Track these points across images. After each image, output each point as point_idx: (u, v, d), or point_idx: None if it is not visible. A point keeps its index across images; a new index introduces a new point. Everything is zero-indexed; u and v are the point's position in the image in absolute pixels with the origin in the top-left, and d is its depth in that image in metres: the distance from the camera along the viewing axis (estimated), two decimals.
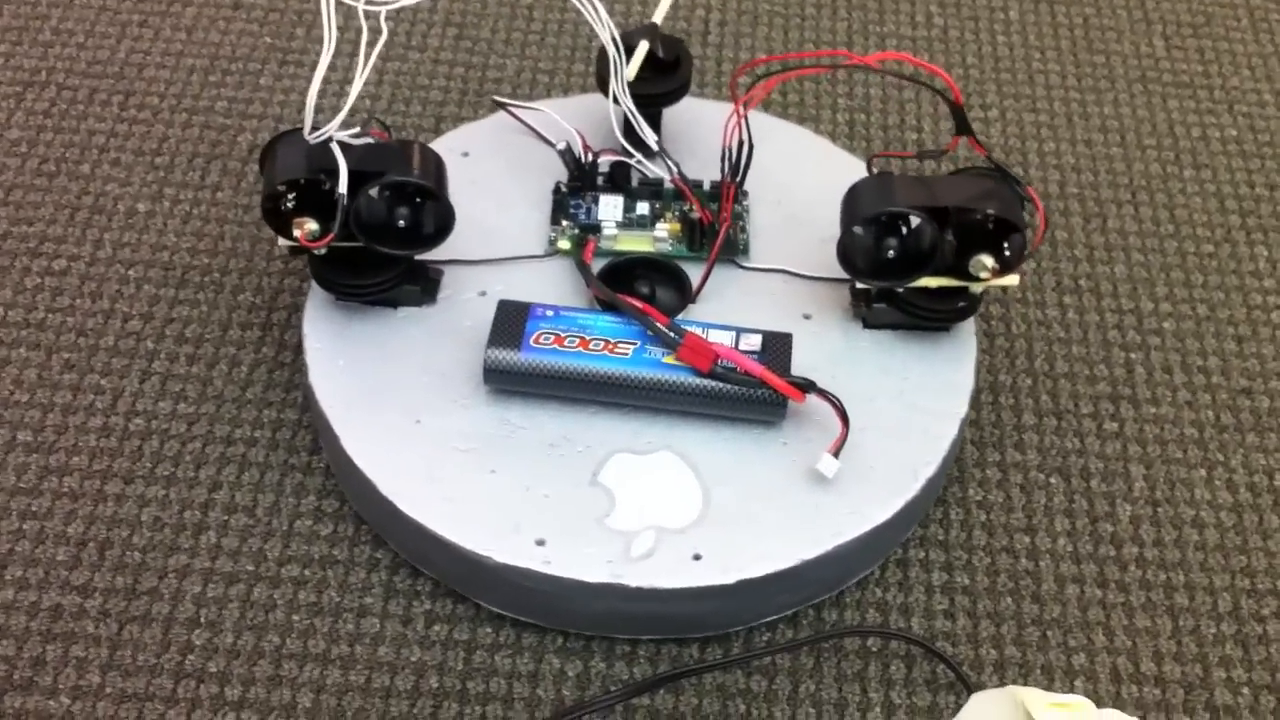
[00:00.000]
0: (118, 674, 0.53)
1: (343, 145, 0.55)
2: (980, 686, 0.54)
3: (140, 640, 0.54)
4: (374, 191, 0.56)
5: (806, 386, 0.56)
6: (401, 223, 0.57)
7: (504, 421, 0.57)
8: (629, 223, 0.63)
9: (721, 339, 0.57)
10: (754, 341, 0.57)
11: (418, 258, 0.60)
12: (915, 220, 0.56)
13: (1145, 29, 0.81)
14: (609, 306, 0.59)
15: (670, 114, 0.64)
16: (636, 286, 0.61)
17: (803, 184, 0.64)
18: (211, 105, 0.73)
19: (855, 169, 0.61)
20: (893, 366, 0.59)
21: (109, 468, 0.59)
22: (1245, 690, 0.55)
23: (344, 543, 0.57)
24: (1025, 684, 0.55)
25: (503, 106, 0.67)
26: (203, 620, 0.55)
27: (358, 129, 0.57)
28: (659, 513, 0.55)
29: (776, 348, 0.57)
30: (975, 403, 0.61)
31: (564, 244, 0.63)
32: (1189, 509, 0.60)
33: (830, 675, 0.55)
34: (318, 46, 0.75)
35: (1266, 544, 0.59)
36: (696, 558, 0.54)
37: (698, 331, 0.57)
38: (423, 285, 0.61)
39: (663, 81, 0.62)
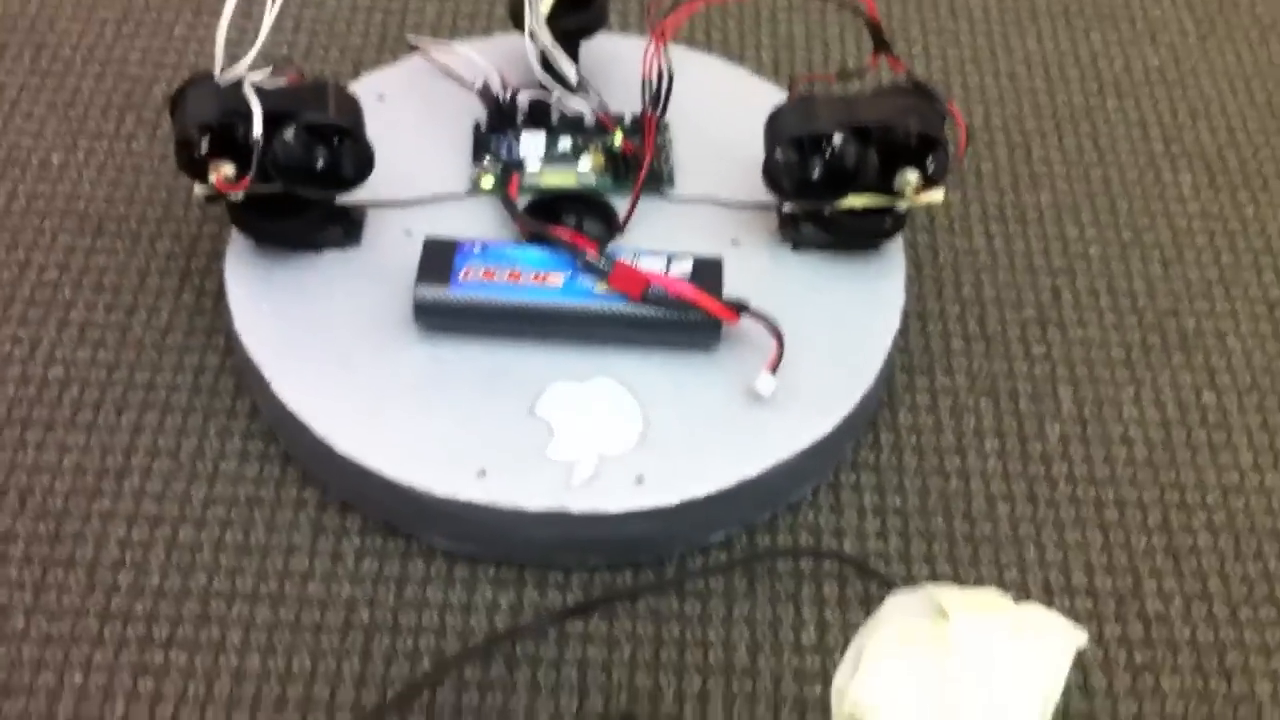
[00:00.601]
0: (43, 617, 0.52)
1: (256, 88, 0.54)
2: None
3: (65, 584, 0.53)
4: (290, 133, 0.55)
5: (740, 307, 0.56)
6: (320, 164, 0.56)
7: (437, 359, 0.56)
8: (552, 159, 0.63)
9: (652, 266, 0.56)
10: (684, 267, 0.57)
11: (339, 200, 0.59)
12: (838, 139, 0.56)
13: None
14: (537, 240, 0.58)
15: (589, 49, 0.63)
16: (563, 220, 0.60)
17: (725, 113, 0.64)
18: (125, 56, 0.72)
19: (776, 96, 0.61)
20: (823, 286, 0.59)
21: (29, 416, 0.58)
22: (1177, 599, 0.56)
23: (270, 483, 0.57)
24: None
25: (417, 48, 0.66)
26: (128, 562, 0.54)
27: (270, 71, 0.56)
28: (598, 439, 0.54)
29: (707, 272, 0.57)
30: (904, 329, 0.61)
31: (487, 182, 0.62)
32: (1117, 427, 0.61)
33: (764, 597, 0.54)
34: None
35: (1194, 459, 0.60)
36: (639, 481, 0.53)
37: (627, 259, 0.56)
38: (345, 227, 0.60)
39: (579, 15, 0.61)
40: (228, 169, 0.55)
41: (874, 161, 0.56)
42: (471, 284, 0.56)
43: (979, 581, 0.55)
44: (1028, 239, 0.67)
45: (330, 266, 0.59)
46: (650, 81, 0.59)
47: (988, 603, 0.33)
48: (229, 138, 0.55)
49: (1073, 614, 0.55)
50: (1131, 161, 0.71)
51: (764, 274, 0.59)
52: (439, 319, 0.57)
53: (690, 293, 0.55)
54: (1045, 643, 0.32)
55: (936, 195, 0.57)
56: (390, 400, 0.55)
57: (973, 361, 0.63)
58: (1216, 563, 0.57)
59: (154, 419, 0.58)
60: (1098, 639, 0.54)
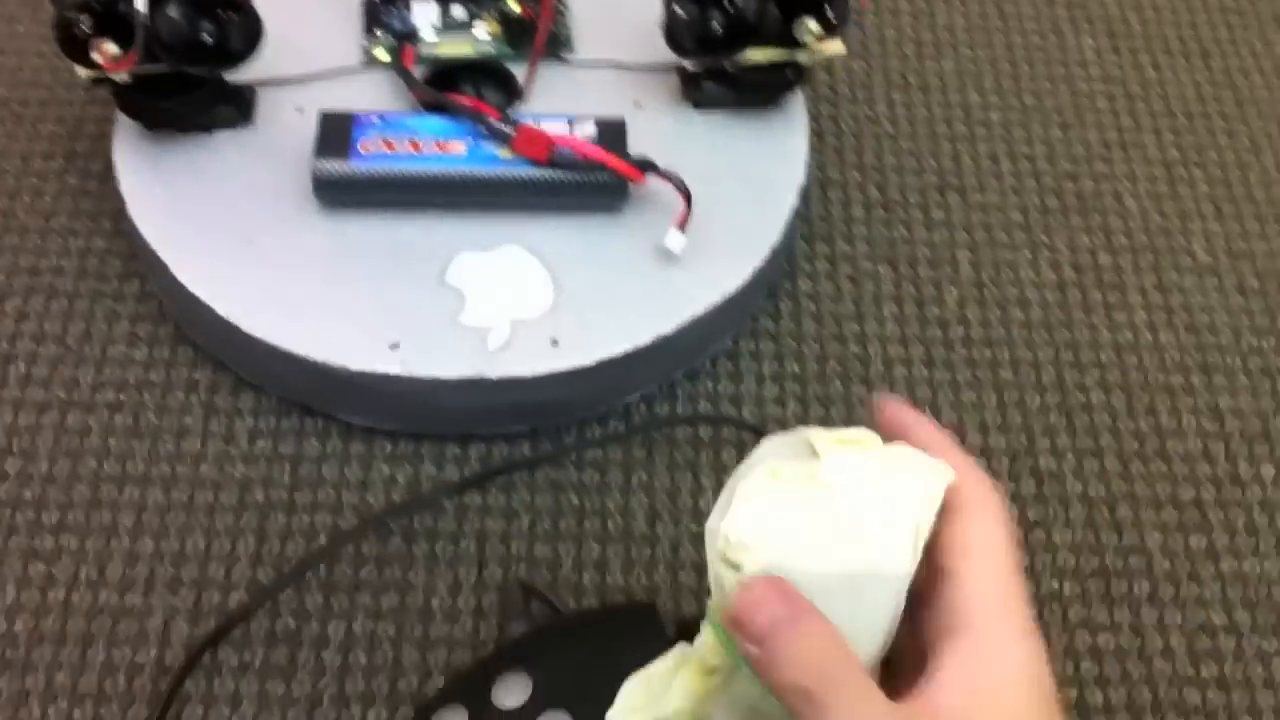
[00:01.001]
0: None
1: None
2: None
3: None
4: (174, 7, 0.53)
5: (646, 166, 0.55)
6: (207, 39, 0.55)
7: (340, 234, 0.55)
8: (447, 27, 0.61)
9: (555, 129, 0.56)
10: (588, 128, 0.56)
11: (229, 77, 0.57)
12: None
13: None
14: (437, 109, 0.57)
15: None
16: (462, 90, 0.59)
17: None
18: None
19: None
20: (728, 144, 0.59)
21: None
22: (1069, 455, 0.56)
23: (160, 366, 0.56)
24: None
25: None
26: (15, 449, 0.53)
27: None
28: (512, 305, 0.54)
29: (612, 133, 0.56)
30: (805, 198, 0.61)
31: (381, 54, 0.60)
32: (1014, 289, 0.61)
33: (662, 465, 0.55)
34: None
35: (1089, 318, 0.60)
36: (554, 344, 0.53)
37: (530, 123, 0.55)
38: (237, 106, 0.58)
39: None
40: (111, 48, 0.53)
41: (774, 13, 0.56)
42: (372, 156, 0.55)
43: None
44: (930, 106, 0.67)
45: (223, 147, 0.58)
46: None
47: (858, 439, 0.33)
48: (111, 15, 0.53)
49: None
50: (1035, 27, 0.71)
51: (668, 134, 0.59)
52: (340, 193, 0.56)
53: (596, 152, 0.55)
54: (915, 476, 0.33)
55: (837, 45, 0.56)
56: (296, 278, 0.54)
57: (873, 229, 0.62)
58: (1108, 420, 0.57)
59: (39, 303, 0.57)
60: None
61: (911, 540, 0.32)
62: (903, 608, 0.31)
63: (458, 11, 0.61)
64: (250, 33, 0.55)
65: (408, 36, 0.61)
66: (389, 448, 0.54)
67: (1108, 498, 0.55)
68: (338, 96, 0.59)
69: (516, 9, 0.61)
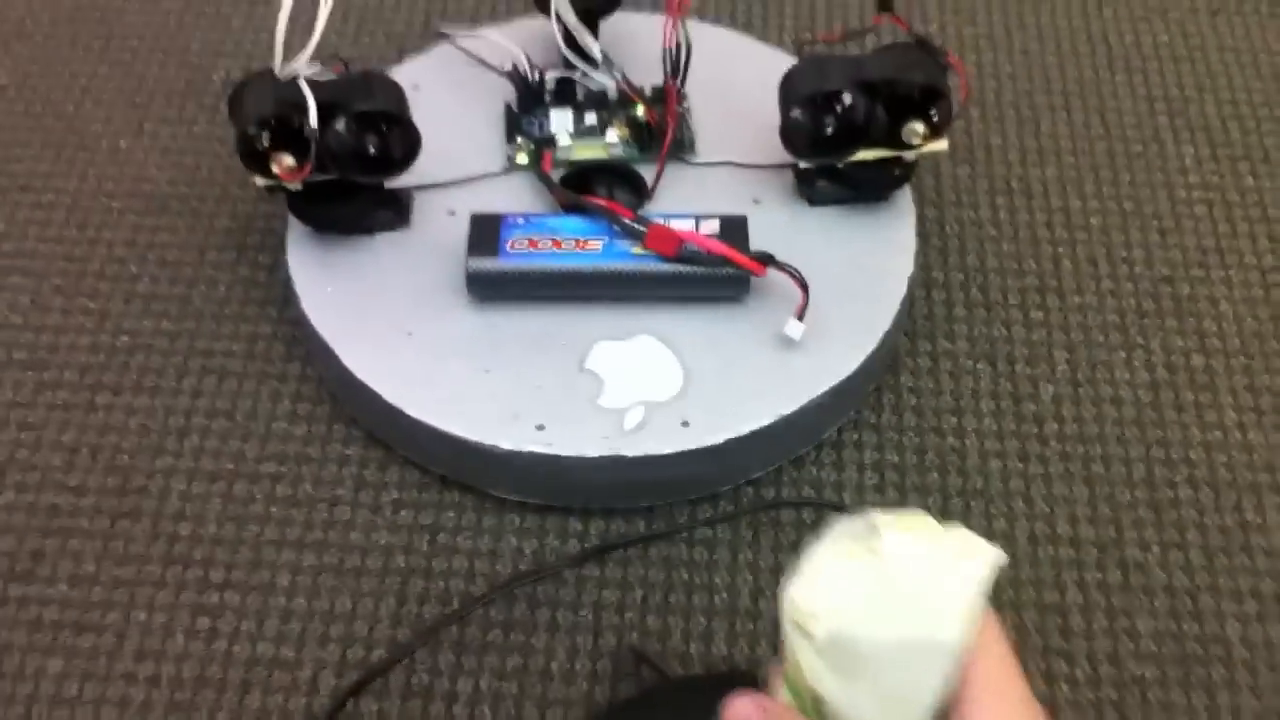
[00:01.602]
0: (111, 562, 0.58)
1: (309, 81, 0.59)
2: None
3: (131, 533, 0.59)
4: (342, 123, 0.60)
5: (766, 260, 0.60)
6: (372, 150, 0.61)
7: (490, 325, 0.61)
8: (581, 133, 0.67)
9: (682, 226, 0.61)
10: (713, 225, 0.61)
11: (389, 184, 0.64)
12: (848, 96, 0.60)
13: None
14: (574, 209, 0.63)
15: (609, 27, 0.68)
16: (595, 190, 0.65)
17: (740, 80, 0.68)
18: (186, 46, 0.77)
19: (787, 61, 0.65)
20: (840, 236, 0.64)
21: (98, 381, 0.64)
22: (1155, 548, 0.59)
23: (317, 441, 0.62)
24: None
25: (445, 37, 0.71)
26: (188, 514, 0.60)
27: (320, 66, 0.60)
28: (645, 389, 0.59)
29: (734, 229, 0.61)
30: (910, 297, 0.65)
31: (522, 158, 0.66)
32: (1108, 388, 0.64)
33: (767, 545, 0.59)
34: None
35: (1180, 417, 0.63)
36: (685, 425, 0.58)
37: (660, 222, 0.61)
38: (395, 210, 0.65)
39: None
40: (288, 160, 0.59)
41: (882, 115, 0.60)
42: (518, 254, 0.61)
43: None
44: (1032, 211, 0.71)
45: (384, 247, 0.64)
46: (670, 51, 0.63)
47: (916, 522, 0.37)
48: (286, 130, 0.59)
49: (1056, 562, 0.59)
50: (1136, 135, 0.74)
51: (785, 228, 0.64)
52: (491, 288, 0.61)
53: (721, 248, 0.60)
54: (967, 556, 0.36)
55: (941, 144, 0.61)
56: (450, 365, 0.60)
57: (974, 328, 0.66)
58: (1195, 515, 0.60)
59: (212, 383, 0.64)
60: (1079, 584, 0.58)
61: (962, 613, 0.35)
62: (954, 682, 0.35)
63: (590, 118, 0.67)
64: (408, 144, 0.62)
65: (546, 142, 0.67)
66: (517, 521, 0.60)
67: (1191, 589, 0.58)
68: (485, 199, 0.65)
69: (644, 115, 0.66)
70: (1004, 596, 0.58)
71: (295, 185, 0.61)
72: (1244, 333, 0.66)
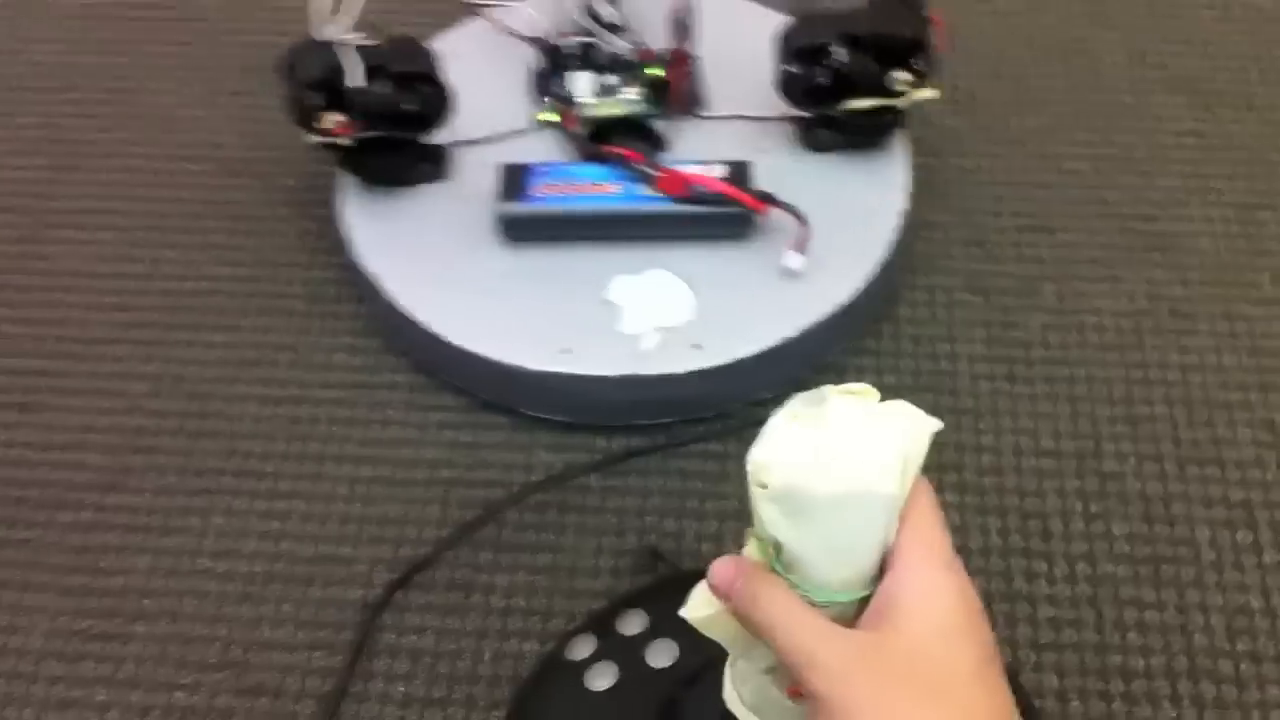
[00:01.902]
0: (191, 475, 0.66)
1: (353, 46, 0.66)
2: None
3: (208, 450, 0.67)
4: (382, 84, 0.67)
5: (767, 198, 0.66)
6: (409, 108, 0.68)
7: (518, 262, 0.68)
8: (601, 92, 0.74)
9: (691, 170, 0.67)
10: (719, 169, 0.67)
11: (427, 140, 0.71)
12: (836, 48, 0.66)
13: None
14: (594, 158, 0.69)
15: None
16: (614, 142, 0.71)
17: (744, 41, 0.74)
18: (249, 24, 0.85)
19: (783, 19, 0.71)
20: (839, 180, 0.70)
21: (179, 321, 0.71)
22: (1131, 459, 0.65)
23: (369, 370, 0.69)
24: (936, 460, 0.65)
25: (474, 8, 0.78)
26: (258, 434, 0.67)
27: (362, 34, 0.67)
28: (660, 316, 0.66)
29: (739, 172, 0.67)
30: (909, 238, 0.71)
31: (548, 116, 0.73)
32: (1091, 316, 0.70)
33: None
34: None
35: (1158, 342, 0.69)
36: (696, 347, 0.65)
37: (671, 166, 0.67)
38: (435, 163, 0.72)
39: None
40: (336, 116, 0.67)
41: (872, 66, 0.66)
42: (543, 198, 0.68)
43: (958, 445, 0.65)
44: (1023, 158, 0.76)
45: (425, 197, 0.71)
46: (678, 14, 0.70)
47: (861, 391, 0.43)
48: (334, 91, 0.67)
49: (1037, 472, 0.64)
50: (1125, 87, 0.79)
51: (788, 174, 0.70)
52: (518, 229, 0.68)
53: (725, 188, 0.66)
54: (905, 419, 0.43)
55: (929, 92, 0.67)
56: (484, 298, 0.67)
57: (968, 264, 0.72)
58: (1169, 429, 0.66)
59: (279, 321, 0.71)
60: (1058, 492, 0.64)
61: (899, 467, 0.41)
62: (893, 530, 0.41)
63: (610, 78, 0.74)
64: (443, 103, 0.69)
65: (569, 101, 0.74)
66: (547, 438, 0.66)
67: (1164, 496, 0.64)
68: (515, 153, 0.72)
69: (659, 74, 0.73)
70: (988, 502, 0.63)
71: (345, 141, 0.68)
72: (1221, 264, 0.71)
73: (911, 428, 0.42)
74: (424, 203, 0.71)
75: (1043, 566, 0.61)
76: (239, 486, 0.65)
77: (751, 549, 0.44)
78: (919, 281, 0.71)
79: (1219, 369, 0.68)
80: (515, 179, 0.69)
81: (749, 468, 0.42)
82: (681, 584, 0.59)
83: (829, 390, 0.43)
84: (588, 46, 0.74)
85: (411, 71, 0.67)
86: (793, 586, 0.43)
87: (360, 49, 0.66)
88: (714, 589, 0.43)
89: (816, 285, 0.66)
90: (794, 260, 0.66)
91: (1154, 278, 0.71)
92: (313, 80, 0.66)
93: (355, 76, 0.66)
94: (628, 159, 0.68)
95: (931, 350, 0.69)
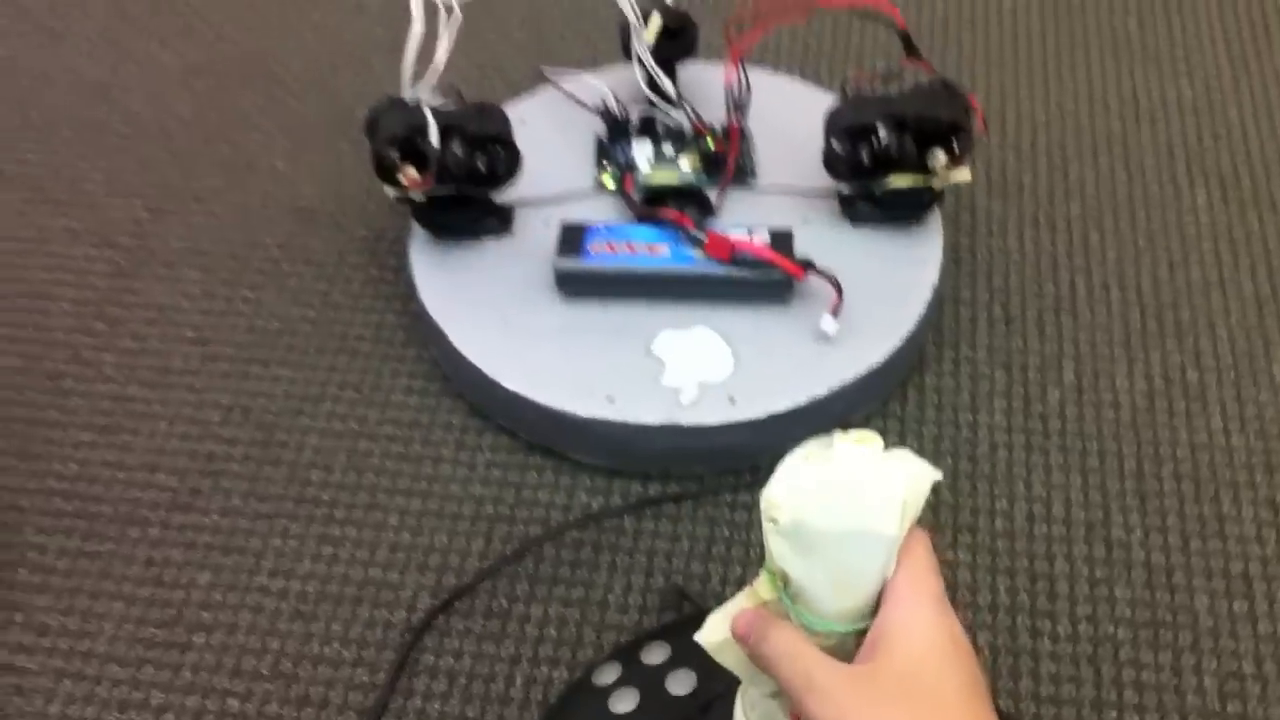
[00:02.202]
0: (255, 499, 0.71)
1: (432, 109, 0.71)
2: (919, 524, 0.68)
3: (272, 477, 0.72)
4: (458, 143, 0.72)
5: (807, 265, 0.71)
6: (481, 167, 0.73)
7: (572, 315, 0.73)
8: (659, 160, 0.79)
9: (737, 236, 0.72)
10: (763, 236, 0.72)
11: (496, 198, 0.76)
12: (881, 129, 0.71)
13: (1122, 10, 0.94)
14: (648, 221, 0.74)
15: (684, 72, 0.80)
16: (668, 207, 0.76)
17: (794, 118, 0.79)
18: (337, 87, 0.91)
19: (833, 99, 0.76)
20: (875, 251, 0.75)
21: (252, 356, 0.77)
22: (1138, 530, 0.68)
23: (428, 411, 0.74)
24: (952, 521, 0.69)
25: (547, 79, 0.83)
26: (319, 464, 0.72)
27: (441, 96, 0.73)
28: (700, 371, 0.70)
29: (781, 240, 0.72)
30: (940, 312, 0.75)
31: (608, 181, 0.78)
32: (1109, 394, 0.73)
33: None
34: (425, 39, 0.93)
35: (1171, 421, 0.72)
36: (732, 401, 0.69)
37: (718, 232, 0.72)
38: (500, 219, 0.77)
39: (675, 44, 0.78)
40: (413, 171, 0.72)
41: (911, 146, 0.71)
42: (599, 256, 0.73)
43: (974, 510, 0.69)
44: (1055, 242, 0.80)
45: (489, 251, 0.76)
46: (731, 90, 0.75)
47: (867, 438, 0.47)
48: (412, 149, 0.72)
49: (1048, 538, 0.68)
50: (1155, 179, 0.83)
51: (829, 244, 0.74)
52: (573, 284, 0.73)
53: (768, 254, 0.71)
54: (908, 467, 0.46)
55: (964, 174, 0.71)
56: (539, 346, 0.72)
57: (994, 339, 0.76)
58: (1176, 503, 0.69)
59: (345, 360, 0.76)
60: (1067, 557, 0.67)
61: (899, 511, 0.45)
62: (891, 568, 0.45)
63: (668, 149, 0.79)
64: (512, 164, 0.74)
65: (629, 167, 0.79)
66: (589, 482, 0.71)
67: (1167, 565, 0.67)
68: (575, 212, 0.77)
69: (712, 147, 0.78)
70: (1000, 563, 0.67)
71: (419, 196, 0.73)
72: (1236, 353, 0.75)
73: (913, 475, 0.46)
74: (488, 255, 0.76)
75: (1047, 625, 0.65)
76: (297, 512, 0.70)
77: (763, 581, 0.49)
78: (946, 353, 0.75)
79: (1227, 449, 0.71)
80: (573, 237, 0.74)
81: (762, 504, 0.47)
82: (703, 619, 0.63)
83: (838, 437, 0.47)
84: (648, 118, 0.79)
85: (486, 133, 0.72)
86: (797, 615, 0.47)
87: (439, 111, 0.71)
88: (735, 635, 0.48)
89: (848, 349, 0.70)
90: (829, 325, 0.70)
91: (1170, 361, 0.75)
92: (393, 137, 0.72)
93: (433, 136, 0.71)
94: (679, 223, 0.73)
95: (954, 418, 0.73)
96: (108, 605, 0.67)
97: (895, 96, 0.72)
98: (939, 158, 0.71)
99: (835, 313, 0.70)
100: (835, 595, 0.47)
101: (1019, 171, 0.84)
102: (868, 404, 0.73)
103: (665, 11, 0.77)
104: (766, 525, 0.47)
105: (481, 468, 0.72)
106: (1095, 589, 0.66)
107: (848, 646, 0.48)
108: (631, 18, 0.75)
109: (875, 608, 0.47)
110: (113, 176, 0.86)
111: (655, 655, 0.59)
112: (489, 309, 0.74)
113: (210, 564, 0.68)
